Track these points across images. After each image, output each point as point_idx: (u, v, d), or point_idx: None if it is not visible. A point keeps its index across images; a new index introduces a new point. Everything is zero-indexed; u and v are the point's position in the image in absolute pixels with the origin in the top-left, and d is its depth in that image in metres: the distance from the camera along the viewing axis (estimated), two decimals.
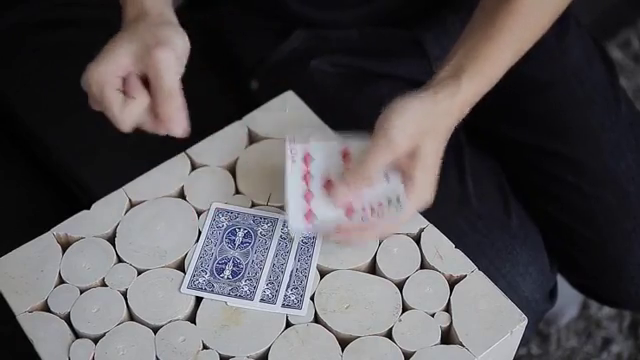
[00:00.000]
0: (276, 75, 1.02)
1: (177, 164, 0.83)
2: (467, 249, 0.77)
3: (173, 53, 0.72)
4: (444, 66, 0.78)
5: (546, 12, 0.82)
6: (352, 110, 0.94)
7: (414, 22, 1.02)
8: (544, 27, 0.83)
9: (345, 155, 0.77)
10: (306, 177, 0.76)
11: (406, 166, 0.74)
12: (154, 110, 0.73)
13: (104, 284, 0.75)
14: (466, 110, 0.78)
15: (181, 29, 0.76)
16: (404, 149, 0.72)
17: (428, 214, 0.79)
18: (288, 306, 0.73)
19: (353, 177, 0.74)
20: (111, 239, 0.78)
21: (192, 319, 0.73)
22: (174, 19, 0.78)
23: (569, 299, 1.37)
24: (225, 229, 0.78)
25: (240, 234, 0.78)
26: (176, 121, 0.73)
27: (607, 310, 1.42)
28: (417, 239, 0.78)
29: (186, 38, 0.75)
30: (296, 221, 0.74)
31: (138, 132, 0.76)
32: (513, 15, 0.79)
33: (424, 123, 0.73)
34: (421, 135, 0.73)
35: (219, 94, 1.08)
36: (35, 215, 0.98)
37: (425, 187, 0.74)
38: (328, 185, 0.75)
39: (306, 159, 0.77)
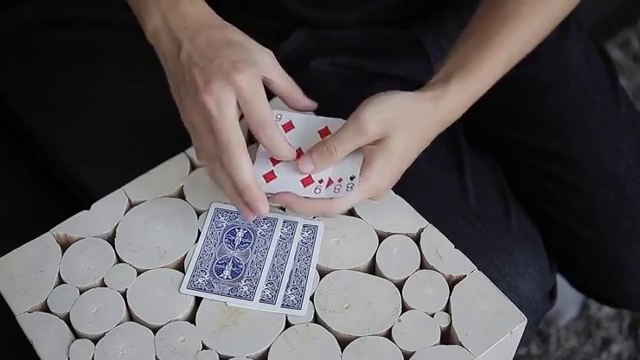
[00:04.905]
0: None
1: (177, 164, 0.83)
2: (467, 249, 0.77)
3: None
4: (438, 71, 0.78)
5: (545, 19, 0.82)
6: (352, 110, 0.94)
7: (414, 22, 1.02)
8: (542, 33, 0.83)
9: (324, 133, 0.77)
10: None
11: (369, 152, 0.75)
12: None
13: (104, 284, 0.75)
14: (458, 114, 0.78)
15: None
16: (371, 135, 0.73)
17: (428, 214, 0.79)
18: (288, 306, 0.73)
19: (318, 151, 0.74)
20: (111, 239, 0.78)
21: (192, 319, 0.73)
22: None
23: (569, 299, 1.37)
24: (225, 229, 0.78)
25: (240, 234, 0.78)
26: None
27: (607, 310, 1.42)
28: (417, 239, 0.78)
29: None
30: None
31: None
32: (508, 20, 0.79)
33: (398, 116, 0.74)
34: (392, 126, 0.73)
35: None
36: (35, 215, 0.98)
37: (382, 176, 0.74)
38: (299, 154, 0.76)
39: (287, 126, 0.77)
